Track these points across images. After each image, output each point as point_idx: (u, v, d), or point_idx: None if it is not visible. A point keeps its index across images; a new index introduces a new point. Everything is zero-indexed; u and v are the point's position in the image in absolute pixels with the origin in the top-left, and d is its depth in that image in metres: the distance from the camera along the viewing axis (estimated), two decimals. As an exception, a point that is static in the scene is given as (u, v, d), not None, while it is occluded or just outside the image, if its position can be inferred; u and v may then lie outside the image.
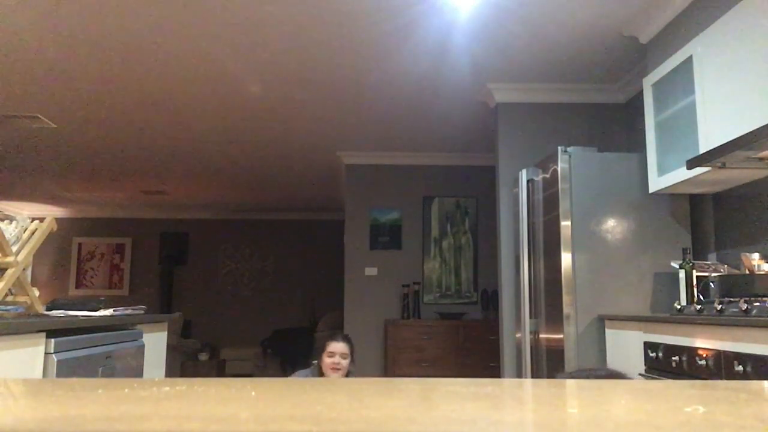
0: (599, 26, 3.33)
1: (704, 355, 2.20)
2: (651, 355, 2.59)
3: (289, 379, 0.64)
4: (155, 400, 0.50)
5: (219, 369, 8.18)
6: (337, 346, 2.92)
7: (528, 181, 3.75)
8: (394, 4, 3.07)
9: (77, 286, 8.92)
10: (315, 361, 2.98)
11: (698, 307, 2.50)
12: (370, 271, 5.91)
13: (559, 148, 3.36)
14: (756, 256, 2.63)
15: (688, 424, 0.41)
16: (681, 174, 2.90)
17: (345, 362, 2.90)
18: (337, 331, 3.12)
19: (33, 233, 2.63)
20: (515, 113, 4.29)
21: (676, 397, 0.55)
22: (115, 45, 3.51)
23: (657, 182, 3.15)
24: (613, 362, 3.06)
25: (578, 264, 3.25)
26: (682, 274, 2.96)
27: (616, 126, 4.30)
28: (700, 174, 2.77)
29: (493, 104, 4.37)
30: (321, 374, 2.89)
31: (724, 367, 2.09)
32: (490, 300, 5.74)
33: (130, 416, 0.43)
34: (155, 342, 3.06)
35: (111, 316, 2.63)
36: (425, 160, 6.09)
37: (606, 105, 4.31)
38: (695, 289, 2.89)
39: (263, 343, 8.24)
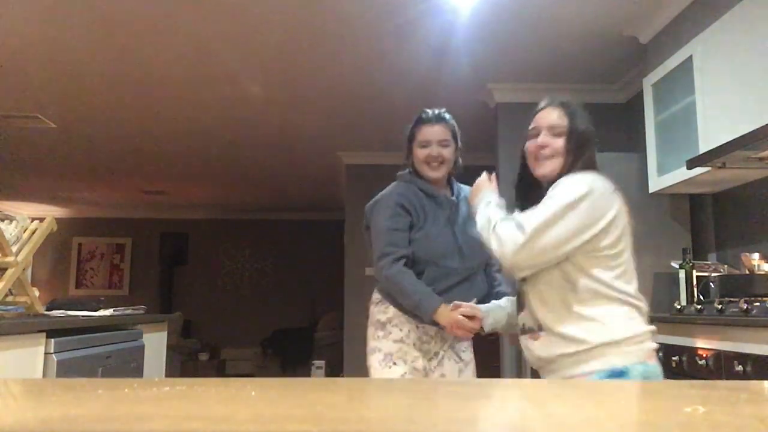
0: (599, 26, 3.33)
1: (704, 355, 2.20)
2: (651, 355, 2.59)
3: (289, 379, 0.64)
4: (155, 400, 0.50)
5: (219, 369, 8.18)
6: (432, 131, 2.13)
7: (528, 181, 3.74)
8: (394, 4, 3.07)
9: (77, 286, 8.92)
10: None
11: (698, 307, 2.50)
12: (371, 271, 5.91)
13: (559, 148, 3.35)
14: (756, 256, 2.62)
15: (688, 424, 0.41)
16: (681, 174, 2.90)
17: (447, 151, 2.12)
18: (426, 111, 2.20)
19: (33, 233, 2.62)
20: (515, 113, 4.28)
21: (676, 397, 0.55)
22: (116, 45, 3.51)
23: (657, 182, 3.15)
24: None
25: (578, 264, 3.24)
26: (682, 274, 2.96)
27: (616, 126, 4.30)
28: (700, 174, 2.77)
29: (493, 104, 4.37)
30: (418, 175, 2.15)
31: (724, 367, 2.09)
32: (490, 300, 5.73)
33: (130, 416, 0.43)
34: (155, 342, 3.06)
35: (111, 316, 2.63)
36: (425, 160, 6.08)
37: (606, 105, 4.31)
38: (695, 289, 2.89)
39: (263, 343, 8.24)
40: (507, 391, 0.67)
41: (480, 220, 1.63)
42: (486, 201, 1.69)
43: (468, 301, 1.94)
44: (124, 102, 4.47)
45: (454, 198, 2.18)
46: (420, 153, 2.14)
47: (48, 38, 3.41)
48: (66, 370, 2.01)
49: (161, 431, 0.38)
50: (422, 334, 2.03)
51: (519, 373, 3.96)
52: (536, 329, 1.52)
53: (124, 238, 9.04)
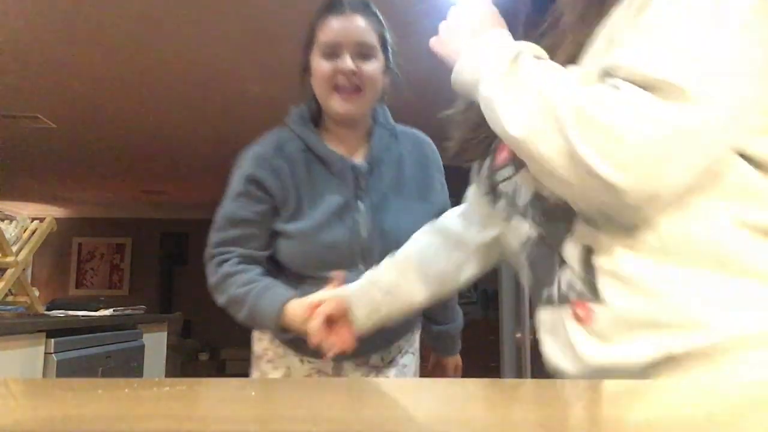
0: (599, 26, 3.33)
1: (704, 355, 2.20)
2: (651, 355, 2.59)
3: (289, 379, 0.64)
4: (155, 400, 0.50)
5: (219, 369, 8.18)
6: (344, 28, 1.24)
7: (528, 181, 3.74)
8: (394, 4, 3.07)
9: (77, 286, 8.92)
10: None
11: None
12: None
13: (559, 148, 3.34)
14: (756, 256, 2.62)
15: (687, 424, 0.41)
16: (681, 174, 2.89)
17: (370, 67, 1.30)
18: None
19: (33, 233, 2.63)
20: (515, 113, 4.28)
21: (677, 396, 0.55)
22: (116, 44, 3.51)
23: (657, 182, 3.14)
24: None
25: (578, 264, 3.24)
26: (682, 274, 2.95)
27: (616, 126, 4.29)
28: (700, 174, 2.77)
29: (493, 104, 4.36)
30: (316, 115, 1.35)
31: (724, 367, 2.09)
32: (490, 300, 5.74)
33: (130, 416, 0.43)
34: (155, 342, 3.06)
35: (111, 316, 2.64)
36: (425, 160, 6.08)
37: (606, 105, 4.30)
38: (695, 289, 2.88)
39: (263, 343, 8.24)
40: (506, 391, 0.67)
41: (508, 93, 0.71)
42: (507, 51, 0.74)
43: (384, 340, 1.18)
44: (124, 102, 4.47)
45: (365, 163, 1.29)
46: (323, 68, 1.23)
47: (48, 38, 3.41)
48: (66, 370, 2.01)
49: (161, 431, 0.38)
50: (312, 373, 1.28)
51: (519, 374, 3.96)
52: (587, 298, 0.69)
53: (124, 238, 9.04)
